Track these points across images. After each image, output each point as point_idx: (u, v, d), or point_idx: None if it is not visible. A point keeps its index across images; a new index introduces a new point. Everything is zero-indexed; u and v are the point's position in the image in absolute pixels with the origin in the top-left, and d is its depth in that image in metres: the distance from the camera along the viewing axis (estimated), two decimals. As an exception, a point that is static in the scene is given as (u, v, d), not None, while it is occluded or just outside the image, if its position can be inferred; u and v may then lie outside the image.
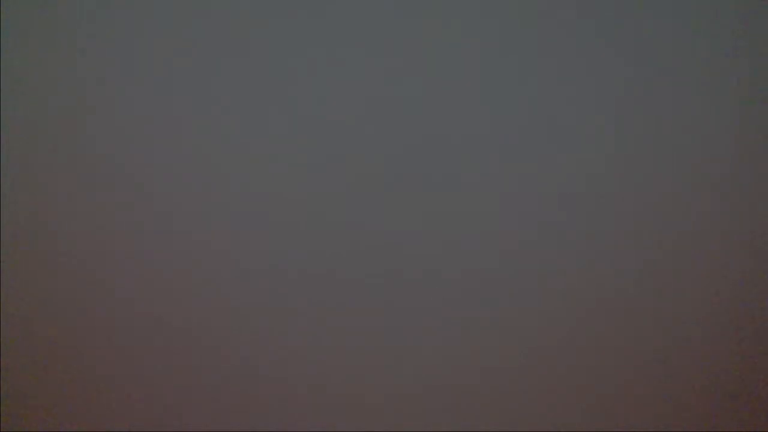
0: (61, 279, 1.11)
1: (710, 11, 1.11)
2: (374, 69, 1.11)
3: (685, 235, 1.10)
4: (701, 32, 1.10)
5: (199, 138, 1.10)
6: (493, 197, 1.10)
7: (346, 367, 1.11)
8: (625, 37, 1.10)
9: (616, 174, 1.10)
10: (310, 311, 1.11)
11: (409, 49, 1.11)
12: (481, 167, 1.10)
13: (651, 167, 1.10)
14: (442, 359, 1.11)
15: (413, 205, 1.10)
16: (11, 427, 1.12)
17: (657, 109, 1.10)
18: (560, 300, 1.10)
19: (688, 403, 1.11)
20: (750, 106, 1.10)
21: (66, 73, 1.11)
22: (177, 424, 1.11)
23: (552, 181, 1.10)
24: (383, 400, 1.11)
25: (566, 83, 1.10)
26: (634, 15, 1.10)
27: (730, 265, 1.10)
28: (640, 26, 1.10)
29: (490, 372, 1.11)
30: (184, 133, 1.10)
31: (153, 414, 1.11)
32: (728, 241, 1.10)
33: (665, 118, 1.10)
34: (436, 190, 1.10)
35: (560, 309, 1.10)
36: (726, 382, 1.11)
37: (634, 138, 1.10)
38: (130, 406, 1.11)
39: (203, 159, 1.10)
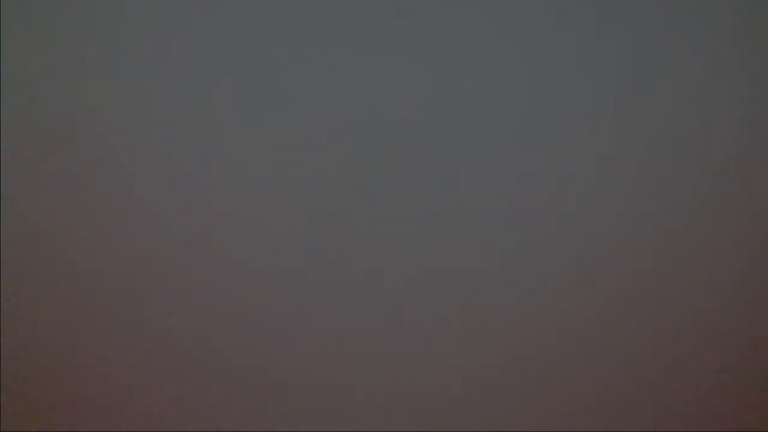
0: (61, 279, 1.11)
1: (710, 11, 1.11)
2: (374, 69, 1.11)
3: (685, 235, 1.11)
4: (701, 32, 1.11)
5: (199, 138, 1.11)
6: (493, 197, 1.10)
7: (347, 367, 1.11)
8: (625, 36, 1.10)
9: (616, 174, 1.10)
10: (310, 311, 1.11)
11: (409, 49, 1.11)
12: (481, 167, 1.10)
13: (651, 167, 1.10)
14: (442, 359, 1.11)
15: (413, 205, 1.11)
16: (11, 427, 1.12)
17: (657, 109, 1.10)
18: (560, 300, 1.10)
19: (688, 403, 1.11)
20: (750, 106, 1.11)
21: (66, 73, 1.11)
22: (177, 424, 1.11)
23: (552, 181, 1.10)
24: (383, 400, 1.11)
25: (566, 83, 1.10)
26: (634, 14, 1.10)
27: (730, 265, 1.11)
28: (639, 26, 1.10)
29: (491, 372, 1.11)
30: (184, 133, 1.11)
31: (153, 414, 1.11)
32: (728, 241, 1.11)
33: (665, 118, 1.10)
34: (436, 191, 1.10)
35: (560, 309, 1.10)
36: (726, 382, 1.11)
37: (634, 138, 1.10)
38: (130, 406, 1.11)
39: (203, 159, 1.11)
